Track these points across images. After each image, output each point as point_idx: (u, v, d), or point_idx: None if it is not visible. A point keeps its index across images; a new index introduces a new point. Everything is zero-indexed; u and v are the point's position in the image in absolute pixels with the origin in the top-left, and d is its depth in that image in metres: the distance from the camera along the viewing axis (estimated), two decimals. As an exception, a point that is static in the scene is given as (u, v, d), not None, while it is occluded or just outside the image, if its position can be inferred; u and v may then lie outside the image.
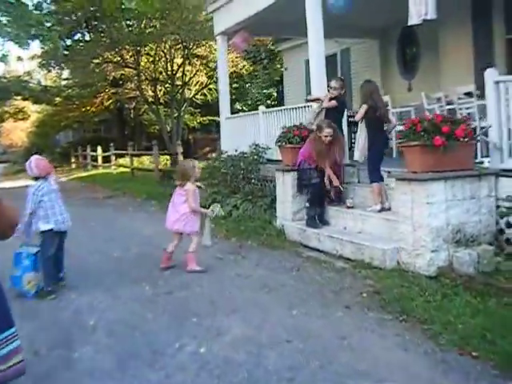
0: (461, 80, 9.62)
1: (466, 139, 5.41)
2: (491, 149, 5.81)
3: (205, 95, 23.02)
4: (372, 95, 6.48)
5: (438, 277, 5.36)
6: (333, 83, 7.55)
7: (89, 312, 5.13)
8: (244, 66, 20.78)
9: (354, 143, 7.26)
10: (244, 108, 24.30)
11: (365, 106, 6.41)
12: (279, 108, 10.22)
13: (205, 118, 27.08)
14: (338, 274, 5.87)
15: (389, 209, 6.50)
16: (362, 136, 6.62)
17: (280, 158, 9.68)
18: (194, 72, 21.18)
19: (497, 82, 5.73)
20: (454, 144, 5.32)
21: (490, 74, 5.77)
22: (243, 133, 11.13)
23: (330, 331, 4.38)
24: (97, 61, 20.49)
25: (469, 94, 8.69)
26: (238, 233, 8.37)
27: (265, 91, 34.63)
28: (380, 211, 6.42)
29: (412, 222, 5.47)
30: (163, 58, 20.28)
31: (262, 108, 10.78)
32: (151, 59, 20.53)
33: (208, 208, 6.87)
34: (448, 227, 5.42)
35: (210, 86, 22.28)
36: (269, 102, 31.74)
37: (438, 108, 8.33)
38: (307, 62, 17.06)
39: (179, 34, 18.10)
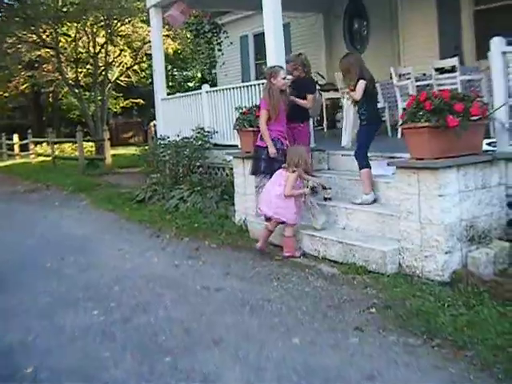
0: (423, 55, 8.93)
1: (479, 118, 4.57)
2: (498, 130, 5.02)
3: (129, 77, 21.38)
4: (363, 68, 5.54)
5: (453, 282, 4.53)
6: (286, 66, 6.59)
7: (23, 354, 3.89)
8: (170, 45, 19.41)
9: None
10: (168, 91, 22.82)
11: (363, 81, 5.43)
12: (227, 86, 9.09)
13: (127, 102, 25.35)
14: (330, 282, 4.91)
15: (374, 200, 5.61)
16: (349, 117, 5.66)
17: (231, 143, 8.66)
18: (118, 52, 19.53)
19: (504, 53, 4.93)
20: (466, 124, 4.47)
21: (497, 44, 4.95)
22: (184, 115, 9.94)
23: (352, 368, 3.40)
24: (10, 40, 18.31)
25: (440, 70, 7.98)
26: (191, 231, 7.24)
27: (186, 73, 32.98)
28: (372, 203, 5.51)
29: (419, 219, 4.60)
30: (84, 37, 18.48)
31: (205, 87, 9.61)
32: (71, 38, 18.65)
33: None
34: (461, 223, 4.59)
35: (135, 68, 20.71)
36: (190, 84, 30.40)
37: (411, 85, 7.52)
38: (243, 38, 16.25)
39: (102, 10, 16.42)
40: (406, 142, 4.69)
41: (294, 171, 5.63)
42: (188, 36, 17.61)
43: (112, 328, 4.24)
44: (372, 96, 5.55)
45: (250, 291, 4.85)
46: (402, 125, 4.70)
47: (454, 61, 6.59)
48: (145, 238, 7.28)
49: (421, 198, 4.55)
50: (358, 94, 5.40)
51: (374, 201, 5.54)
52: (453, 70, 7.56)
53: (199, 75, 29.51)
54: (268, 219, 5.83)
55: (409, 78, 7.81)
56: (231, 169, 8.76)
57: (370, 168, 5.55)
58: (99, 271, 5.74)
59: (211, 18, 11.74)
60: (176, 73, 31.72)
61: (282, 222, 5.68)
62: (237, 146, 8.40)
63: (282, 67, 6.20)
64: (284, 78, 6.02)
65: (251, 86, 8.17)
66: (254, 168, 6.37)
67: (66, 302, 4.88)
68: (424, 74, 8.31)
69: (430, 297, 4.31)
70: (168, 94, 11.38)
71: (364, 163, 5.55)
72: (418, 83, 7.56)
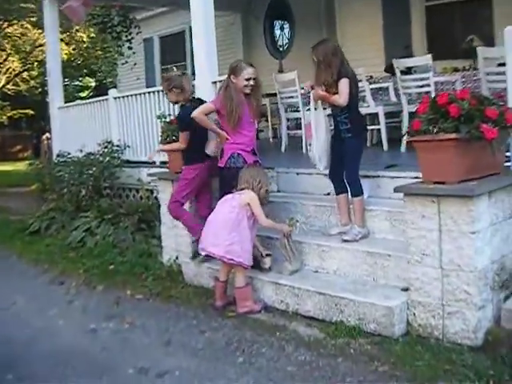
0: (365, 57, 7.92)
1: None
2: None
3: (17, 85, 18.95)
4: (345, 61, 4.25)
5: (488, 346, 3.36)
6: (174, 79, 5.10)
7: None
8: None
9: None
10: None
11: (346, 80, 4.13)
12: (140, 91, 7.53)
13: (15, 112, 22.67)
14: (317, 353, 3.54)
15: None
16: (320, 129, 4.35)
17: (147, 160, 7.13)
18: (4, 57, 17.17)
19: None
20: (506, 136, 3.35)
21: None
22: (87, 127, 8.26)
23: None
24: None
25: (390, 71, 6.98)
26: (105, 275, 5.60)
27: (77, 83, 30.31)
28: (361, 239, 4.24)
29: (440, 263, 3.38)
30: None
31: (112, 92, 7.99)
32: None
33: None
34: (493, 266, 3.44)
35: (24, 75, 18.37)
36: (83, 94, 27.84)
37: (367, 87, 6.41)
38: (148, 40, 14.60)
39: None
40: (420, 160, 3.46)
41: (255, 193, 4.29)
42: (84, 40, 15.71)
43: None
44: (355, 99, 4.29)
45: (208, 374, 3.39)
46: (411, 136, 3.46)
47: (428, 59, 5.55)
48: (44, 286, 5.57)
49: (443, 235, 3.34)
50: (343, 97, 4.08)
51: (364, 236, 4.28)
52: (408, 71, 6.58)
53: (93, 84, 27.26)
54: (207, 257, 4.40)
55: (360, 80, 6.72)
56: (148, 190, 7.25)
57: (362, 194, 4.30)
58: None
59: (121, 8, 10.00)
60: (68, 82, 29.25)
61: (235, 264, 4.27)
62: (153, 163, 6.94)
63: (251, 65, 4.63)
64: (248, 80, 4.55)
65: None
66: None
67: None
68: (371, 77, 7.29)
69: (467, 371, 3.11)
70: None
71: (360, 189, 4.27)
72: (374, 85, 6.50)
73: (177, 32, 13.17)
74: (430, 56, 5.50)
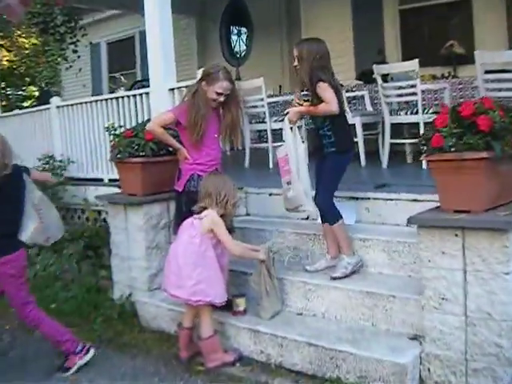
0: (334, 63, 7.34)
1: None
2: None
3: None
4: (329, 64, 3.59)
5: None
6: None
7: None
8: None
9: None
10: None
11: (325, 85, 3.44)
12: (87, 99, 6.67)
13: None
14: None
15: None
16: (302, 164, 3.61)
17: (94, 176, 6.37)
18: None
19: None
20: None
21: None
22: (26, 140, 7.30)
23: None
24: None
25: (364, 78, 6.43)
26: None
27: (21, 92, 28.73)
28: (352, 273, 3.56)
29: (464, 310, 2.75)
30: None
31: (55, 100, 7.09)
32: None
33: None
34: (524, 312, 2.84)
35: None
36: (26, 104, 26.28)
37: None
38: (94, 45, 13.59)
39: None
40: (439, 183, 2.81)
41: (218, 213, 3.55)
42: (26, 47, 14.51)
43: None
44: (341, 114, 3.61)
45: None
46: (428, 154, 2.81)
47: (415, 64, 4.97)
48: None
49: (469, 276, 2.71)
50: (333, 102, 3.40)
51: (357, 269, 3.61)
52: (385, 78, 6.03)
53: (37, 94, 25.85)
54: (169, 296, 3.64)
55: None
56: (96, 211, 6.41)
57: (341, 218, 3.62)
58: None
59: (64, 6, 8.95)
60: (10, 91, 27.63)
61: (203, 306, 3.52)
62: (101, 180, 6.15)
63: (230, 79, 3.77)
64: (219, 94, 3.71)
65: (124, 97, 5.92)
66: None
67: None
68: (341, 85, 6.69)
69: None
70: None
71: (336, 212, 3.60)
72: (348, 94, 5.92)
73: (126, 37, 12.34)
74: (416, 61, 4.93)
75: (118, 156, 4.43)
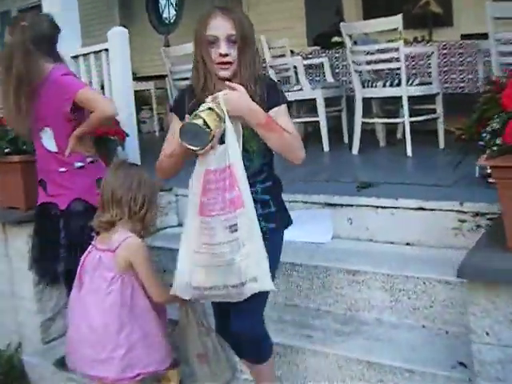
0: (284, 26, 6.10)
1: None
2: None
3: None
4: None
5: None
6: None
7: None
8: None
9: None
10: None
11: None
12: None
13: None
14: None
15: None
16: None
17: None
18: None
19: None
20: None
21: None
22: None
23: None
24: None
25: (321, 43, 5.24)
26: None
27: None
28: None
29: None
30: None
31: None
32: None
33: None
34: None
35: None
36: None
37: (298, 62, 4.54)
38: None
39: None
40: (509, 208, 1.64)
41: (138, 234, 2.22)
42: None
43: None
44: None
45: None
46: (489, 158, 1.60)
47: (398, 20, 3.72)
48: None
49: None
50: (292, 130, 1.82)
51: None
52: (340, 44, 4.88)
53: None
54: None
55: (282, 55, 4.94)
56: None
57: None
58: None
59: None
60: None
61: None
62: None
63: None
64: None
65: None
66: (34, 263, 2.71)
67: None
68: (292, 52, 5.46)
69: None
70: None
71: (271, 341, 2.09)
72: (308, 61, 4.69)
73: None
74: (400, 17, 3.72)
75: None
